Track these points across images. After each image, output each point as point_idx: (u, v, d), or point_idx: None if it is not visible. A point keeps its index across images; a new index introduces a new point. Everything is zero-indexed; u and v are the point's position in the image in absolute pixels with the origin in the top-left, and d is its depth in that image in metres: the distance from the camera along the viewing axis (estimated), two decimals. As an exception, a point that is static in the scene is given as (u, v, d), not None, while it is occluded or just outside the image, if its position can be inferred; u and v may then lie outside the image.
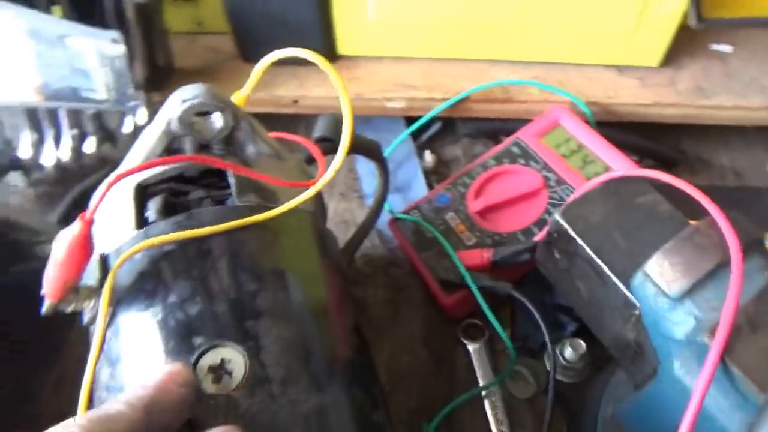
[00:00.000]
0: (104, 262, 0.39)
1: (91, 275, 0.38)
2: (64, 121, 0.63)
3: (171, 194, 0.43)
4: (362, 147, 0.54)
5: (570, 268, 0.45)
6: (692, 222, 0.44)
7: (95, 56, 0.54)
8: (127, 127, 0.64)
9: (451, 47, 0.67)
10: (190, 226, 0.38)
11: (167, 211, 0.41)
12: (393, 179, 0.68)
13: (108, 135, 0.66)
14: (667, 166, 0.68)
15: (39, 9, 0.54)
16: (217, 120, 0.42)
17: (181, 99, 0.40)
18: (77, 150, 0.64)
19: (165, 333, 0.34)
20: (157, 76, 0.63)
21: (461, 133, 0.71)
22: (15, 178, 0.67)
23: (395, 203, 0.65)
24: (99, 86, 0.55)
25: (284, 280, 0.38)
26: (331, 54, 0.67)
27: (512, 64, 0.68)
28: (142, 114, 0.63)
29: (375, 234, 0.63)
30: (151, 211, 0.41)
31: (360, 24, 0.64)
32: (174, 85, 0.67)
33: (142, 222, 0.40)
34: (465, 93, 0.65)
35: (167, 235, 0.37)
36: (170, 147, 0.43)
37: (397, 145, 0.68)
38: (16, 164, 0.65)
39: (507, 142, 0.61)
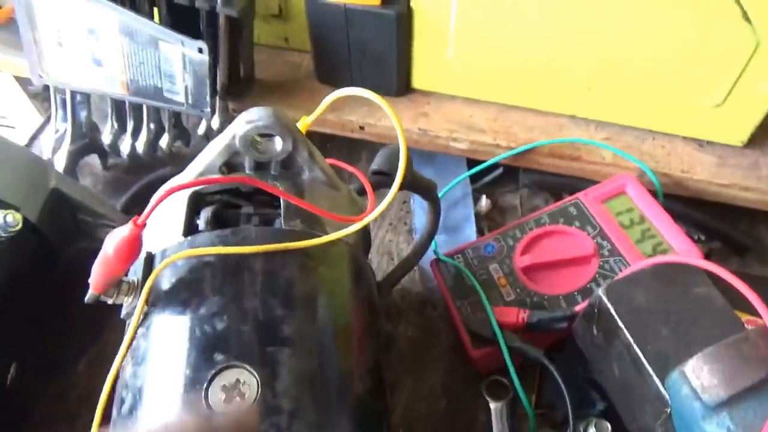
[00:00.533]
0: (149, 261, 0.40)
1: (135, 272, 0.40)
2: (145, 116, 0.66)
3: (223, 206, 0.44)
4: (418, 185, 0.54)
5: (607, 347, 0.44)
6: (748, 318, 0.42)
7: (181, 62, 0.57)
8: (201, 129, 0.67)
9: (526, 95, 0.66)
10: (233, 242, 0.39)
11: (216, 222, 0.42)
12: (444, 219, 0.67)
13: (182, 133, 0.70)
14: (736, 250, 0.65)
15: (140, 12, 0.58)
16: (278, 143, 0.44)
17: (246, 119, 0.42)
18: (152, 143, 0.68)
19: (190, 344, 0.35)
20: (236, 85, 0.66)
21: (522, 182, 0.70)
22: (94, 160, 0.72)
23: (442, 243, 0.65)
24: (180, 89, 0.58)
25: (313, 310, 0.39)
26: (405, 86, 0.68)
27: (586, 122, 0.66)
28: (216, 119, 0.66)
29: (416, 270, 0.63)
30: (202, 220, 0.43)
31: (438, 61, 0.65)
32: (252, 95, 0.71)
33: (190, 229, 0.42)
34: (533, 144, 0.64)
35: (208, 248, 0.39)
36: (230, 161, 0.45)
37: (454, 185, 0.68)
38: (97, 148, 0.70)
39: (566, 200, 0.59)
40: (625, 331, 0.41)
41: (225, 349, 0.35)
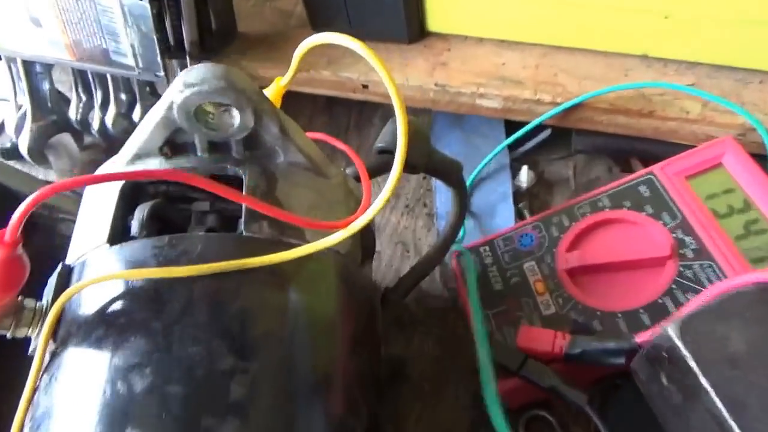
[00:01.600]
0: (64, 278, 0.31)
1: (47, 292, 0.30)
2: (111, 85, 0.56)
3: (168, 200, 0.33)
4: (437, 167, 0.40)
5: (681, 406, 0.29)
6: None
7: (121, 14, 0.45)
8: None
9: (578, 32, 0.49)
10: (171, 257, 0.28)
11: (154, 224, 0.32)
12: (474, 197, 0.53)
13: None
14: None
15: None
16: (235, 116, 0.31)
17: (184, 82, 0.30)
18: (126, 116, 0.58)
19: (97, 410, 0.25)
20: (210, 41, 0.54)
21: (575, 147, 0.54)
22: (67, 140, 0.63)
23: (471, 229, 0.51)
24: (126, 49, 0.47)
25: (275, 356, 0.28)
26: (418, 29, 0.53)
27: (663, 63, 0.49)
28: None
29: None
30: (135, 221, 0.32)
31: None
32: (231, 52, 0.58)
33: (119, 233, 0.32)
34: (587, 95, 0.47)
35: (130, 271, 0.28)
36: (176, 140, 0.33)
37: (490, 160, 0.53)
38: (68, 125, 0.60)
39: (634, 176, 0.43)
40: (710, 390, 0.26)
41: (141, 422, 0.25)
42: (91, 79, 0.57)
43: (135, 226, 0.32)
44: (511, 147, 0.55)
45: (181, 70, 0.54)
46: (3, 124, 0.65)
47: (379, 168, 0.40)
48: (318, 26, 0.55)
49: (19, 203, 0.49)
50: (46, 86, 0.58)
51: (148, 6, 0.43)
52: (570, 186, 0.53)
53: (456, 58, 0.52)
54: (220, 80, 0.30)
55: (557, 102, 0.48)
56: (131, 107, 0.58)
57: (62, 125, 0.60)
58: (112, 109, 0.57)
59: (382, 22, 0.52)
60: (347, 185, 0.37)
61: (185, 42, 0.51)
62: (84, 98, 0.58)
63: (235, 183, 0.33)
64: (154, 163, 0.33)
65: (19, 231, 0.27)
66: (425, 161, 0.40)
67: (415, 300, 0.49)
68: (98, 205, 0.33)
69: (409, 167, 0.39)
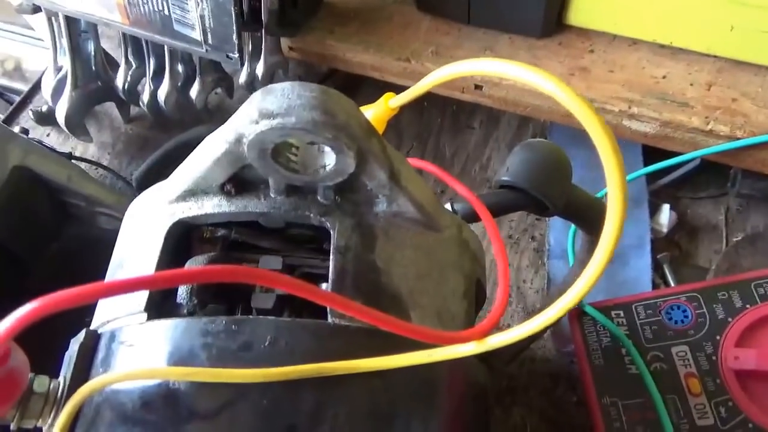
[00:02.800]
0: (87, 350, 0.23)
1: (65, 369, 0.23)
2: (168, 54, 0.46)
3: (229, 248, 0.26)
4: (577, 209, 0.31)
5: None
6: None
7: (190, -24, 0.35)
8: (242, 76, 0.46)
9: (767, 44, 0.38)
10: (228, 352, 0.21)
11: (209, 288, 0.24)
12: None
13: (224, 79, 0.49)
14: None
15: None
16: (328, 156, 0.23)
17: (259, 110, 0.21)
18: (182, 92, 0.48)
19: None
20: (292, 13, 0.43)
21: (735, 187, 0.43)
22: (111, 110, 0.54)
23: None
24: (194, 20, 0.37)
25: None
26: (553, 21, 0.42)
27: None
28: (261, 64, 0.45)
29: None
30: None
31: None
32: (315, 28, 0.47)
33: (160, 297, 0.24)
34: (774, 133, 0.36)
35: (172, 369, 0.21)
36: (243, 176, 0.24)
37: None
38: (114, 94, 0.51)
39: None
40: None
41: None
42: (144, 44, 0.47)
43: (183, 289, 0.24)
44: (650, 179, 0.44)
45: (252, 47, 0.44)
46: (39, 83, 0.56)
47: (502, 207, 0.31)
48: (425, 6, 0.44)
49: (50, 192, 0.41)
50: (91, 47, 0.49)
51: (227, -31, 0.33)
52: (720, 235, 0.43)
53: (601, 62, 0.41)
54: (314, 111, 0.21)
55: (736, 136, 0.37)
56: (189, 81, 0.48)
57: (107, 93, 0.51)
58: (166, 82, 0.47)
59: (510, 9, 0.41)
60: (462, 236, 0.28)
61: (262, 11, 0.41)
62: (134, 65, 0.49)
63: (320, 235, 0.24)
64: (212, 204, 0.24)
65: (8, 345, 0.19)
66: (564, 201, 0.30)
67: (520, 360, 0.40)
68: (138, 243, 0.25)
69: (541, 209, 0.30)
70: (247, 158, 0.22)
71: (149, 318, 0.22)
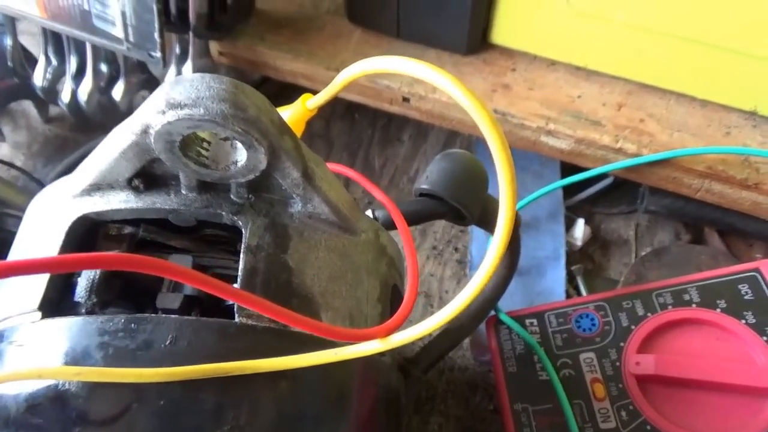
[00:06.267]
0: None
1: None
2: (90, 52, 0.45)
3: (140, 245, 0.25)
4: (491, 218, 0.32)
5: None
6: None
7: (111, -30, 0.34)
8: (170, 74, 0.45)
9: (672, 70, 0.41)
10: (125, 351, 0.20)
11: (111, 285, 0.23)
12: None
13: (149, 79, 0.48)
14: None
15: None
16: (240, 151, 0.22)
17: (167, 100, 0.20)
18: (104, 92, 0.47)
19: None
20: (222, 16, 0.43)
21: (643, 204, 0.45)
22: (28, 108, 0.51)
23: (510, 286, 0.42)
24: (116, 16, 0.36)
25: None
26: (478, 39, 0.44)
27: (771, 123, 0.41)
28: (189, 64, 0.44)
29: (466, 331, 0.41)
30: (83, 280, 0.23)
31: (542, 6, 0.40)
32: (246, 33, 0.46)
33: (58, 293, 0.22)
34: (680, 151, 0.39)
35: (61, 369, 0.20)
36: (150, 169, 0.23)
37: (536, 198, 0.44)
38: (31, 92, 0.49)
39: (734, 269, 0.35)
40: None
41: None
42: (65, 41, 0.45)
43: (82, 287, 0.23)
44: (566, 194, 0.46)
45: (180, 49, 0.44)
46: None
47: (420, 215, 0.31)
48: (357, 18, 0.45)
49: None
50: (7, 41, 0.46)
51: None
52: (630, 249, 0.45)
53: (521, 80, 0.43)
54: (224, 103, 0.20)
55: (642, 153, 0.39)
56: (112, 81, 0.47)
57: (23, 91, 0.49)
58: (88, 82, 0.46)
59: (437, 25, 0.42)
60: (379, 241, 0.28)
61: (190, 12, 0.41)
62: (54, 62, 0.47)
63: (233, 236, 0.24)
64: (119, 199, 0.24)
65: None
66: (480, 212, 0.31)
67: (438, 370, 0.41)
68: (38, 238, 0.24)
69: (458, 217, 0.31)
70: (154, 151, 0.22)
71: (43, 317, 0.21)
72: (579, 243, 0.44)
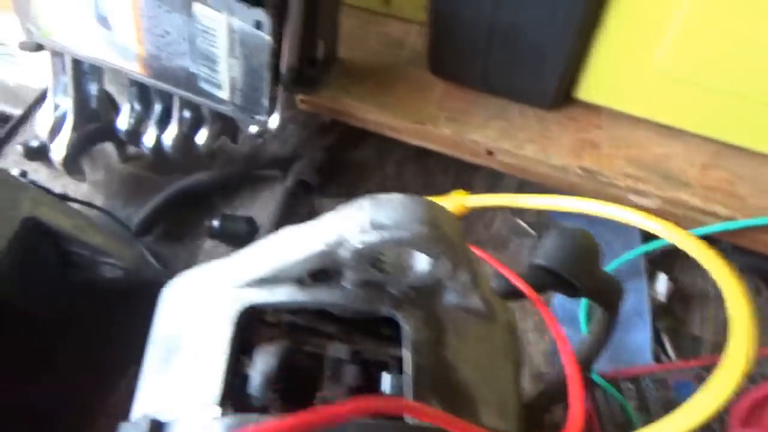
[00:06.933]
0: None
1: None
2: (177, 100, 0.46)
3: (300, 337, 0.25)
4: (599, 289, 0.32)
5: None
6: None
7: (227, 38, 0.35)
8: (253, 126, 0.46)
9: (761, 132, 0.41)
10: None
11: (284, 379, 0.23)
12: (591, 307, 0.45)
13: (228, 126, 0.49)
14: None
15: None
16: (421, 262, 0.24)
17: (371, 221, 0.21)
18: (186, 137, 0.47)
19: None
20: (309, 71, 0.44)
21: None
22: (109, 150, 0.52)
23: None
24: (224, 80, 0.36)
25: None
26: (562, 94, 0.44)
27: None
28: (276, 116, 0.44)
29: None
30: (256, 373, 0.23)
31: (635, 63, 0.40)
32: (330, 85, 0.47)
33: (231, 389, 0.23)
34: (769, 216, 0.39)
35: None
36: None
37: (623, 262, 0.44)
38: (113, 134, 0.50)
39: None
40: None
41: None
42: (151, 91, 0.46)
43: (256, 381, 0.23)
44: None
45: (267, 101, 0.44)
46: (28, 114, 0.54)
47: (536, 287, 0.31)
48: (439, 71, 0.45)
49: (56, 242, 0.39)
50: (94, 89, 0.47)
51: (268, 39, 0.33)
52: (710, 304, 0.45)
53: (608, 138, 0.43)
54: (424, 226, 0.21)
55: (735, 217, 0.39)
56: (195, 127, 0.48)
57: (106, 134, 0.50)
58: (173, 128, 0.47)
59: (524, 80, 0.43)
60: (512, 325, 0.29)
61: (281, 69, 0.41)
62: (138, 108, 0.48)
63: (387, 327, 0.24)
64: (285, 292, 0.24)
65: None
66: (590, 284, 0.31)
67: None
68: (200, 326, 0.24)
69: (571, 290, 0.31)
70: (343, 261, 0.23)
71: (223, 413, 0.22)
72: (663, 297, 0.44)
